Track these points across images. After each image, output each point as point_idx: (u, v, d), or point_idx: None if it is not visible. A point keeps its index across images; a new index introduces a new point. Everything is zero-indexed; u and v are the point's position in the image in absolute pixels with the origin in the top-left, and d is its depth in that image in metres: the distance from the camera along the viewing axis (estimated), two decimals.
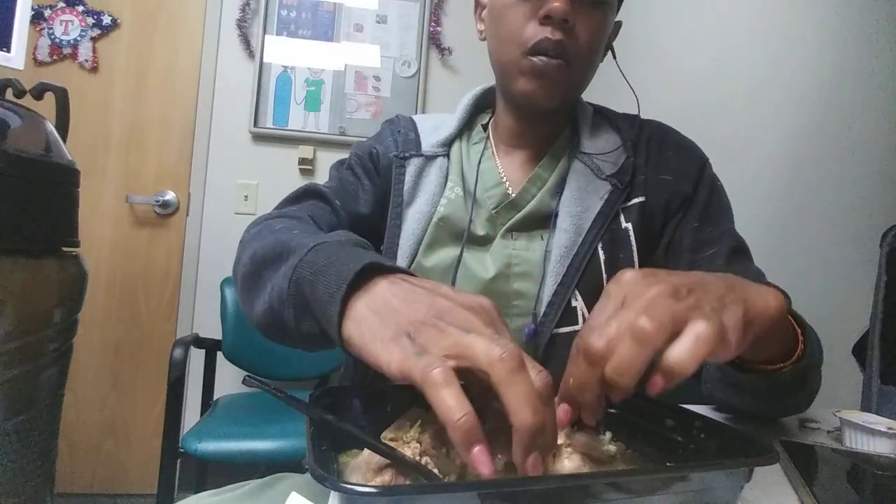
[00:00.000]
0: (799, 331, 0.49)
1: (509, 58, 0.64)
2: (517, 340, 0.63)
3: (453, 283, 0.66)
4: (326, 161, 2.17)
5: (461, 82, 2.19)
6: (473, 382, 0.34)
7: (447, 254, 0.67)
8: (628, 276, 0.38)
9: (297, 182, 2.15)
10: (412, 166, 0.71)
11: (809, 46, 1.21)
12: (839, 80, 1.14)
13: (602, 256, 0.64)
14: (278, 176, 2.15)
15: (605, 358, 0.33)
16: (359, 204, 0.71)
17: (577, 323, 0.63)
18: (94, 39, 2.04)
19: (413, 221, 0.69)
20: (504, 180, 0.70)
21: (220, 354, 1.91)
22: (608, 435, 0.45)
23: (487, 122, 0.77)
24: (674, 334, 0.33)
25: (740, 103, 1.43)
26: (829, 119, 1.15)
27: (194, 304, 2.10)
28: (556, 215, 0.66)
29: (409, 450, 0.34)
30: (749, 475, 0.35)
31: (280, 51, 2.14)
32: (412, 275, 0.41)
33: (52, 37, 2.01)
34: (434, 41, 2.19)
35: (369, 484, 0.31)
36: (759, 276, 0.64)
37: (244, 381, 0.37)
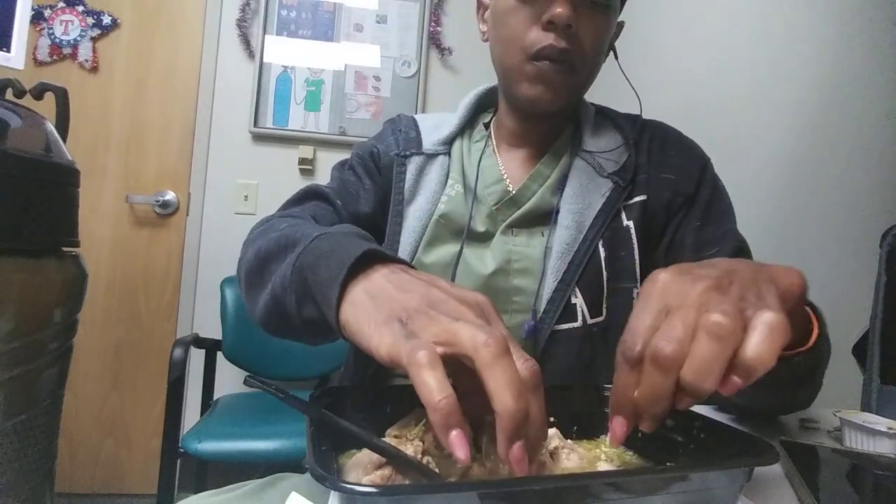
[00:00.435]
0: (813, 316, 0.49)
1: (512, 62, 0.65)
2: (517, 337, 0.63)
3: (453, 279, 0.66)
4: (326, 161, 2.17)
5: (461, 82, 2.19)
6: (464, 378, 0.33)
7: (447, 250, 0.68)
8: (663, 276, 0.35)
9: (297, 182, 2.16)
10: (413, 164, 0.72)
11: (810, 46, 1.21)
12: (839, 80, 1.14)
13: (603, 254, 0.64)
14: (278, 176, 2.15)
15: (679, 362, 0.30)
16: (360, 203, 0.71)
17: (576, 320, 0.63)
18: (94, 39, 2.04)
19: (414, 219, 0.69)
20: (504, 177, 0.71)
21: (220, 354, 1.91)
22: (609, 435, 0.45)
23: (489, 121, 0.77)
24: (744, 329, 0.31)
25: (740, 103, 1.43)
26: (830, 119, 1.16)
27: (194, 304, 2.10)
28: (558, 212, 0.66)
29: (412, 448, 0.34)
30: (749, 475, 0.35)
31: (280, 51, 2.14)
32: (412, 267, 0.42)
33: (52, 37, 2.01)
34: (434, 41, 2.19)
35: (369, 483, 0.31)
36: None
37: (245, 382, 0.37)
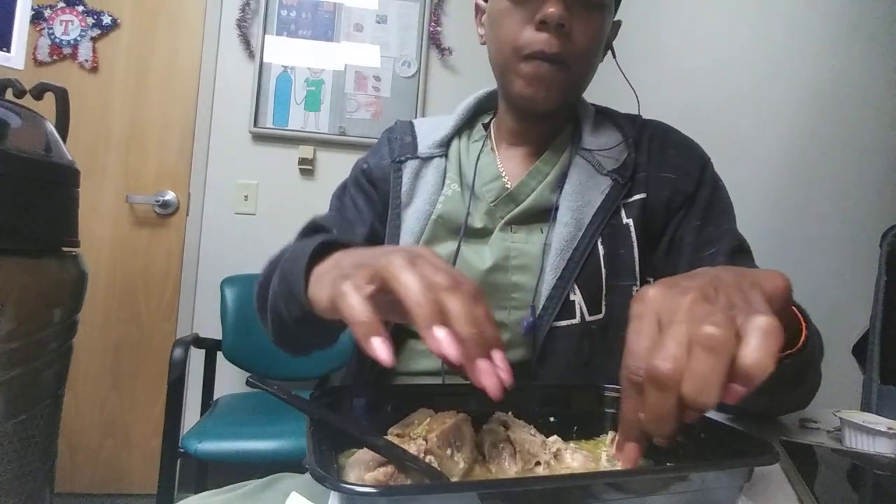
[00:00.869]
0: (801, 319, 0.49)
1: (507, 62, 0.65)
2: (516, 333, 0.64)
3: None
4: (326, 161, 2.17)
5: (461, 82, 2.19)
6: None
7: (445, 248, 0.68)
8: (651, 292, 0.36)
9: (297, 182, 2.16)
10: (408, 169, 0.73)
11: (809, 46, 1.21)
12: (839, 81, 1.14)
13: (602, 251, 0.65)
14: (278, 176, 2.15)
15: (678, 379, 0.30)
16: (357, 226, 0.73)
17: (574, 317, 0.63)
18: (94, 39, 2.04)
19: (412, 221, 0.70)
20: (503, 174, 0.71)
21: (220, 354, 1.91)
22: (610, 435, 0.45)
23: (489, 122, 0.77)
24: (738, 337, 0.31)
25: (740, 103, 1.43)
26: (829, 119, 1.15)
27: (194, 304, 2.10)
28: (557, 209, 0.66)
29: (415, 447, 0.34)
30: (749, 475, 0.35)
31: (280, 51, 2.14)
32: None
33: (52, 37, 2.01)
34: (434, 41, 2.19)
35: (372, 481, 0.31)
36: None
37: (248, 383, 0.37)
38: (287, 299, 0.50)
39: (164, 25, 2.10)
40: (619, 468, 0.40)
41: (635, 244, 0.65)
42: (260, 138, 2.14)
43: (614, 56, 0.73)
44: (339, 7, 2.17)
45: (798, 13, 1.26)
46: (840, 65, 1.14)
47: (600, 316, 0.64)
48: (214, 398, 1.84)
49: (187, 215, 2.09)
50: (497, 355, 0.36)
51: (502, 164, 0.72)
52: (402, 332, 0.66)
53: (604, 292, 0.64)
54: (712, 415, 0.62)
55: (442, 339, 0.33)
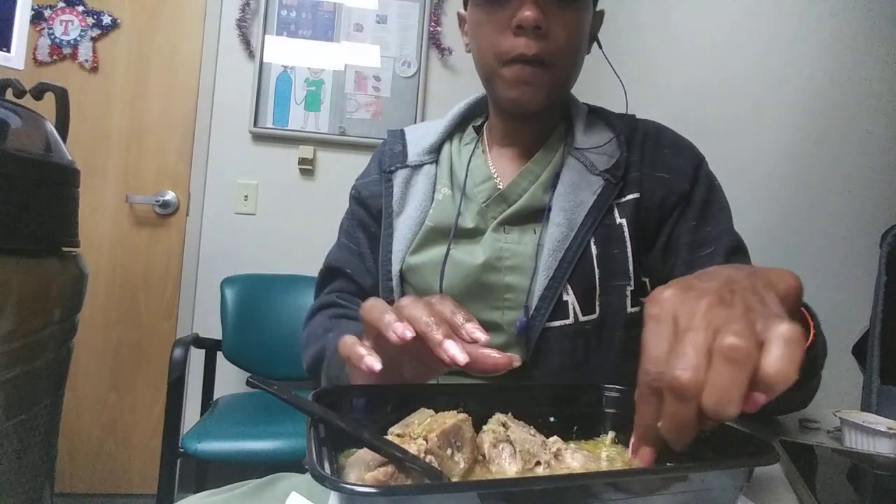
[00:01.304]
0: (809, 317, 0.49)
1: (491, 69, 0.66)
2: (509, 334, 0.64)
3: (442, 274, 0.66)
4: (326, 161, 2.17)
5: (461, 82, 2.19)
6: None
7: (436, 251, 0.68)
8: (667, 294, 0.35)
9: (297, 182, 2.16)
10: (399, 178, 0.74)
11: (809, 47, 1.21)
12: (840, 81, 1.14)
13: (595, 251, 0.64)
14: (278, 176, 2.15)
15: (698, 390, 0.30)
16: (365, 259, 0.77)
17: (568, 317, 0.63)
18: (94, 39, 2.04)
19: (404, 228, 0.71)
20: (494, 175, 0.71)
21: (220, 354, 1.91)
22: (610, 435, 0.45)
23: (480, 125, 0.78)
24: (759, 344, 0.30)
25: (739, 102, 1.43)
26: (829, 119, 1.16)
27: (194, 304, 2.10)
28: (549, 209, 0.66)
29: (415, 446, 0.34)
30: (749, 475, 0.35)
31: (280, 51, 2.14)
32: None
33: (52, 37, 2.01)
34: (434, 41, 2.19)
35: (372, 480, 0.31)
36: None
37: (248, 383, 0.37)
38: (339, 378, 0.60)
39: (164, 25, 2.10)
40: (619, 468, 0.40)
41: (629, 244, 0.65)
42: (260, 138, 2.14)
43: (600, 47, 0.73)
44: (339, 7, 2.17)
45: (798, 12, 1.26)
46: (841, 66, 1.14)
47: (594, 316, 0.64)
48: (214, 398, 1.84)
49: (187, 215, 2.09)
50: (467, 326, 0.40)
51: (494, 165, 0.72)
52: None
53: (597, 292, 0.64)
54: None
55: (397, 327, 0.39)
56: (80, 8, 2.03)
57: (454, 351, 0.38)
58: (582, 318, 0.63)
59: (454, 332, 0.40)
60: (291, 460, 1.45)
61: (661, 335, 0.33)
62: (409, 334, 0.39)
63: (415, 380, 0.46)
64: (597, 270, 0.64)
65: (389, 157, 0.76)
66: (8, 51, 1.12)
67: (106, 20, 2.05)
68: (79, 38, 2.03)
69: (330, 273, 0.79)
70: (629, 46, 1.74)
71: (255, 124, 2.11)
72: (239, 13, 2.11)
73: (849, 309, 0.93)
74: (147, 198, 2.06)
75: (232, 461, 1.46)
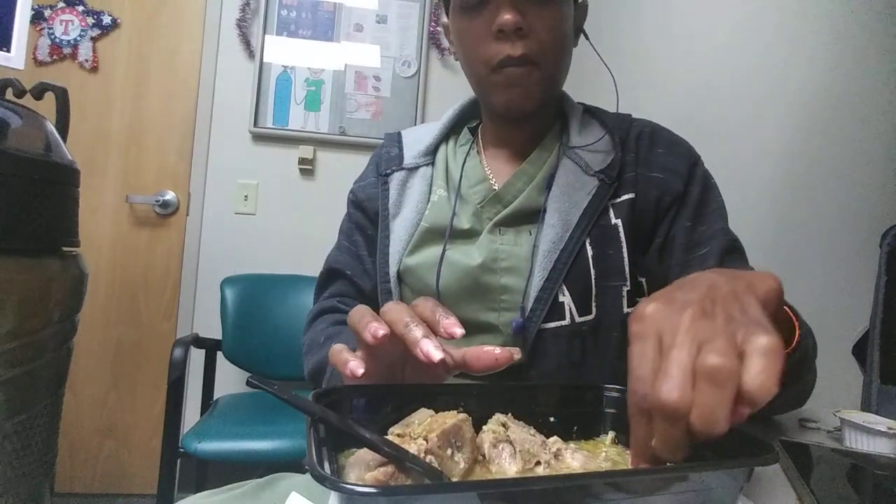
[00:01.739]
0: (794, 317, 0.49)
1: (479, 75, 0.66)
2: (505, 334, 0.64)
3: (438, 275, 0.66)
4: (326, 161, 2.17)
5: (461, 82, 2.18)
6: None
7: (433, 252, 0.68)
8: (649, 309, 0.35)
9: (297, 182, 2.16)
10: (395, 181, 0.74)
11: (809, 46, 1.22)
12: (840, 80, 1.14)
13: (590, 252, 0.64)
14: (278, 176, 2.15)
15: (686, 410, 0.30)
16: (364, 261, 0.77)
17: (564, 318, 0.63)
18: (94, 39, 2.04)
19: (400, 230, 0.71)
20: (489, 176, 0.71)
21: (220, 354, 1.91)
22: (610, 435, 0.45)
23: (475, 127, 0.78)
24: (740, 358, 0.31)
25: (738, 101, 1.43)
26: (830, 119, 1.16)
27: (194, 304, 2.10)
28: (545, 211, 0.66)
29: (415, 446, 0.34)
30: (749, 475, 0.35)
31: (280, 51, 2.14)
32: None
33: (52, 37, 2.01)
34: (434, 41, 2.19)
35: (372, 480, 0.31)
36: None
37: (248, 383, 0.37)
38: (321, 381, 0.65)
39: (164, 25, 2.10)
40: (619, 468, 0.40)
41: (624, 245, 0.65)
42: (260, 138, 2.14)
43: (587, 38, 0.73)
44: (339, 7, 2.17)
45: (798, 12, 1.26)
46: (841, 65, 1.14)
47: (590, 317, 0.64)
48: (214, 398, 1.84)
49: (187, 215, 2.09)
50: (445, 322, 0.41)
51: (489, 166, 0.72)
52: None
53: (593, 293, 0.64)
54: None
55: (370, 327, 0.40)
56: (80, 8, 2.03)
57: (428, 348, 0.39)
58: (578, 319, 0.63)
59: (433, 330, 0.41)
60: (291, 460, 1.45)
61: (645, 354, 0.33)
62: (381, 332, 0.39)
63: None
64: (592, 271, 0.64)
65: (386, 159, 0.77)
66: (8, 51, 1.13)
67: (106, 20, 2.05)
68: (79, 38, 2.03)
69: (330, 275, 0.79)
70: (629, 46, 1.74)
71: (255, 124, 2.12)
72: (239, 13, 2.11)
73: (849, 309, 0.93)
74: (147, 198, 2.06)
75: (232, 461, 1.46)
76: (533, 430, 0.41)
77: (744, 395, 0.30)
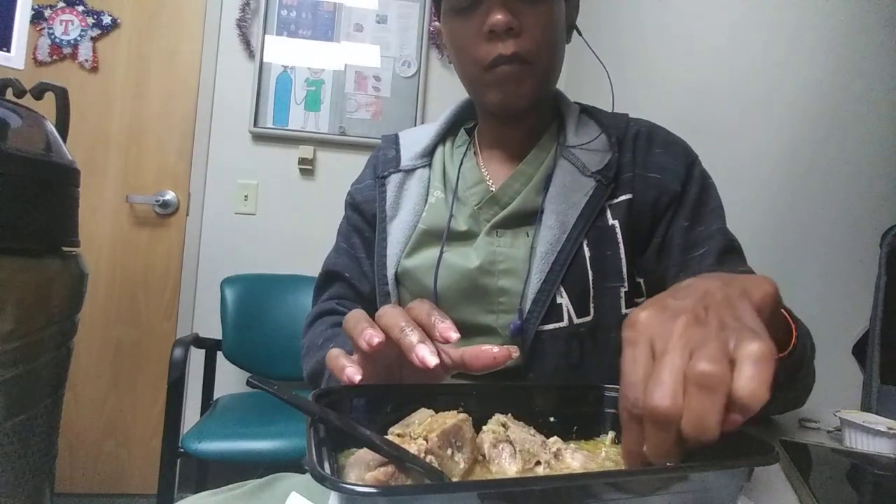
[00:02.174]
0: (791, 321, 0.49)
1: (472, 76, 0.66)
2: (504, 337, 0.64)
3: (435, 278, 0.66)
4: (326, 161, 2.17)
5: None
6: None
7: (430, 254, 0.68)
8: (642, 316, 0.35)
9: (297, 182, 2.16)
10: (392, 183, 0.74)
11: (809, 46, 1.21)
12: (839, 80, 1.14)
13: (588, 253, 0.64)
14: (278, 176, 2.15)
15: (677, 417, 0.30)
16: (362, 263, 0.77)
17: (562, 320, 0.63)
18: (94, 39, 2.04)
19: (398, 232, 0.71)
20: (486, 177, 0.71)
21: (220, 354, 1.91)
22: (610, 435, 0.45)
23: (472, 128, 0.78)
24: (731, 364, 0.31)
25: (737, 101, 1.43)
26: (829, 118, 1.16)
27: (194, 304, 2.10)
28: (542, 212, 0.66)
29: (415, 446, 0.34)
30: (749, 475, 0.35)
31: (280, 51, 2.14)
32: None
33: (52, 37, 2.01)
34: (434, 41, 2.19)
35: (372, 480, 0.31)
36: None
37: (248, 383, 0.37)
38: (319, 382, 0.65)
39: (164, 25, 2.10)
40: (619, 468, 0.40)
41: (622, 246, 0.65)
42: (260, 138, 2.14)
43: (580, 34, 0.73)
44: (339, 7, 2.17)
45: (798, 13, 1.26)
46: (840, 65, 1.14)
47: (588, 318, 0.63)
48: (214, 398, 1.84)
49: (187, 215, 2.09)
50: (440, 326, 0.41)
51: (486, 167, 0.72)
52: None
53: (591, 294, 0.64)
54: None
55: (365, 335, 0.40)
56: (80, 8, 2.03)
57: (423, 353, 0.39)
58: (576, 321, 0.63)
59: (428, 334, 0.41)
60: (291, 460, 1.45)
61: (637, 360, 0.33)
62: (376, 340, 0.39)
63: None
64: (590, 272, 0.64)
65: (383, 161, 0.77)
66: (8, 51, 1.13)
67: (106, 20, 2.05)
68: (79, 38, 2.03)
69: (328, 278, 0.79)
70: (629, 46, 1.73)
71: (255, 124, 2.12)
72: (239, 13, 2.11)
73: (849, 309, 0.93)
74: (147, 198, 2.06)
75: (232, 461, 1.46)
76: (533, 430, 0.41)
77: (735, 402, 0.30)
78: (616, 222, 0.66)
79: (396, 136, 0.80)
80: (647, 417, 0.31)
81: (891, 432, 0.57)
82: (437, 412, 0.40)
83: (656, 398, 0.30)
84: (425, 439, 0.35)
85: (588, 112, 0.75)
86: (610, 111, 0.74)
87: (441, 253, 0.67)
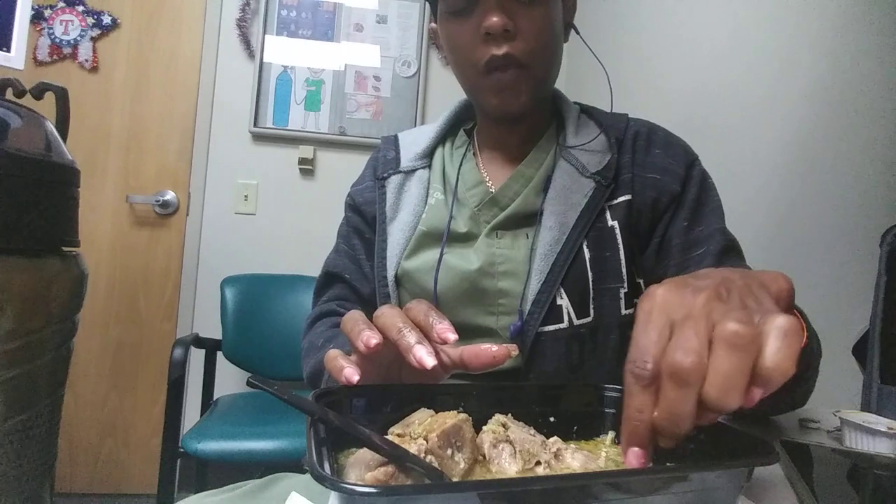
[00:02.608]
0: (801, 320, 0.49)
1: (470, 78, 0.66)
2: (504, 338, 0.64)
3: (436, 279, 0.66)
4: (326, 161, 2.17)
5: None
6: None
7: (430, 255, 0.68)
8: (661, 290, 0.33)
9: (297, 182, 2.16)
10: (391, 184, 0.74)
11: (808, 45, 1.21)
12: (839, 80, 1.14)
13: (587, 254, 0.64)
14: (278, 176, 2.15)
15: (700, 376, 0.28)
16: (362, 265, 0.77)
17: (562, 321, 0.63)
18: (94, 39, 2.04)
19: (398, 233, 0.71)
20: (486, 179, 0.71)
21: (220, 354, 1.91)
22: (610, 435, 0.45)
23: (471, 129, 0.78)
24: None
25: (737, 101, 1.43)
26: (829, 117, 1.15)
27: (194, 304, 2.10)
28: (542, 213, 0.66)
29: (415, 446, 0.34)
30: (749, 475, 0.35)
31: (280, 51, 2.14)
32: None
33: (52, 37, 2.01)
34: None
35: (372, 480, 0.31)
36: None
37: (248, 383, 0.37)
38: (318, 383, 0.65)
39: (164, 25, 2.10)
40: (619, 468, 0.40)
41: (621, 246, 0.65)
42: (260, 138, 2.14)
43: (578, 33, 0.72)
44: (339, 7, 2.17)
45: (798, 13, 1.26)
46: (840, 65, 1.14)
47: (588, 319, 0.63)
48: (214, 398, 1.84)
49: (187, 215, 2.09)
50: (438, 327, 0.40)
51: (485, 169, 0.72)
52: None
53: (591, 296, 0.64)
54: None
55: (363, 336, 0.40)
56: (80, 8, 2.03)
57: (421, 354, 0.38)
58: (576, 322, 0.63)
59: (426, 335, 0.41)
60: (291, 460, 1.45)
61: (651, 325, 0.32)
62: (374, 342, 0.39)
63: None
64: (590, 274, 0.64)
65: (383, 163, 0.77)
66: (8, 51, 1.13)
67: (106, 20, 2.05)
68: (79, 38, 2.03)
69: (328, 279, 0.79)
70: (629, 46, 1.74)
71: (255, 124, 2.12)
72: (239, 13, 2.11)
73: (849, 309, 0.93)
74: (147, 198, 2.06)
75: (232, 461, 1.45)
76: (533, 430, 0.41)
77: (759, 374, 0.28)
78: (615, 223, 0.66)
79: (396, 138, 0.80)
80: (667, 375, 0.29)
81: (891, 432, 0.57)
82: (436, 412, 0.40)
83: (679, 354, 0.29)
84: (425, 439, 0.35)
85: (587, 112, 0.75)
86: (609, 111, 0.74)
87: (441, 254, 0.67)
